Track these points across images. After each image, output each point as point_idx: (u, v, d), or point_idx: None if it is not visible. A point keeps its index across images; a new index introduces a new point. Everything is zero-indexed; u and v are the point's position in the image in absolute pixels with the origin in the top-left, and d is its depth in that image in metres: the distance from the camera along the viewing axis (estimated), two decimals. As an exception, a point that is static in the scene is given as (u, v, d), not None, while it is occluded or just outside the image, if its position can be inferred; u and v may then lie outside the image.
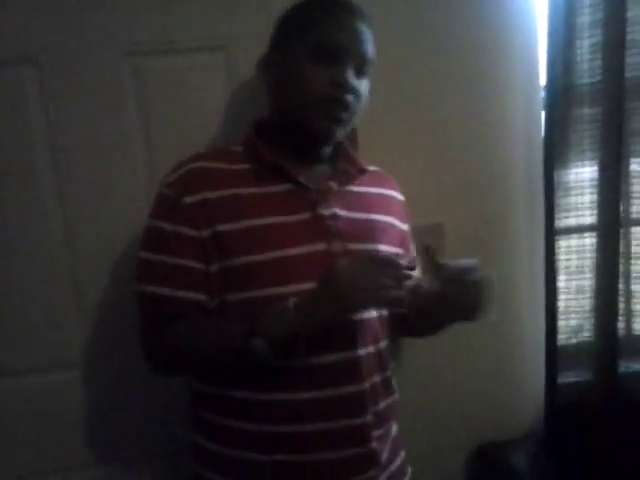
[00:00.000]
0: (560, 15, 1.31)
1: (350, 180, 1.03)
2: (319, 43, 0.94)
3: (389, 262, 0.87)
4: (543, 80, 1.36)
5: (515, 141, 1.40)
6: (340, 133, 0.99)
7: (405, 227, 1.13)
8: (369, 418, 0.96)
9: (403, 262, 0.88)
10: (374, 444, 0.97)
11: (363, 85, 0.99)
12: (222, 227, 0.92)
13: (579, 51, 1.32)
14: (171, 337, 0.95)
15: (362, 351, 0.96)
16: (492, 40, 1.35)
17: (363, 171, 1.05)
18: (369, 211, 1.03)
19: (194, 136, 1.22)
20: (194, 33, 1.21)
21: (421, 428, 1.42)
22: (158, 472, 1.31)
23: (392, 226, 1.06)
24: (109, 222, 1.23)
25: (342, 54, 0.95)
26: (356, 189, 1.03)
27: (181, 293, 0.93)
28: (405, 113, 1.34)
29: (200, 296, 0.93)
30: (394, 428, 1.06)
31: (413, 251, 1.17)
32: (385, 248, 1.01)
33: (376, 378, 1.00)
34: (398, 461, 1.05)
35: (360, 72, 0.97)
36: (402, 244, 1.10)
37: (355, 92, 0.96)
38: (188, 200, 0.93)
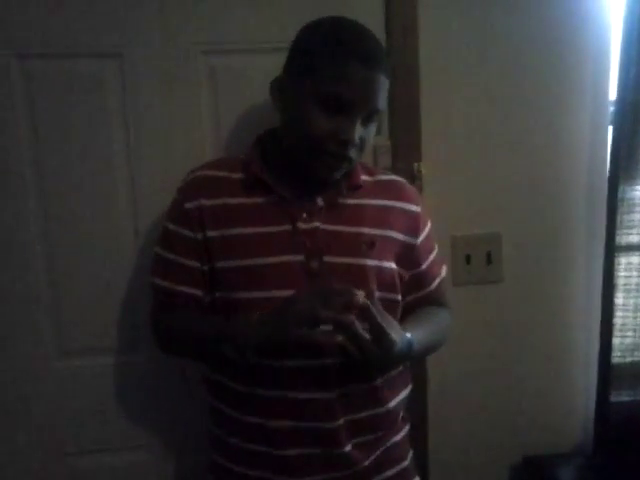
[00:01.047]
0: (634, 30, 1.29)
1: (338, 196, 1.02)
2: (325, 94, 0.92)
3: (337, 294, 0.87)
4: (612, 95, 1.35)
5: (580, 155, 1.40)
6: (337, 177, 1.00)
7: (415, 240, 1.08)
8: (341, 423, 0.98)
9: (356, 298, 0.85)
10: (347, 448, 0.99)
11: (369, 131, 0.98)
12: (211, 233, 1.01)
13: (652, 67, 1.30)
14: (166, 325, 1.08)
15: (329, 361, 0.96)
16: (563, 54, 1.35)
17: (357, 187, 1.04)
18: (360, 224, 1.02)
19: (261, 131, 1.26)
20: (267, 34, 1.24)
21: (467, 438, 1.43)
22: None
23: (389, 239, 1.04)
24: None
25: (353, 109, 0.93)
26: (352, 201, 1.03)
27: (179, 287, 1.04)
28: (471, 125, 1.35)
29: (196, 291, 1.03)
30: (395, 439, 1.07)
31: (430, 261, 1.11)
32: (372, 263, 1.00)
33: (353, 388, 0.99)
34: (393, 471, 1.07)
35: (368, 120, 0.96)
36: (406, 257, 1.06)
37: (358, 146, 0.96)
38: (188, 205, 1.03)
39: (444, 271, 1.16)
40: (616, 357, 1.40)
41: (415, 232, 1.08)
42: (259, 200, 1.01)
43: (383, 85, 0.95)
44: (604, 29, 1.35)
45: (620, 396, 1.41)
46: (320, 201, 1.01)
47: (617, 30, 1.33)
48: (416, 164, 1.30)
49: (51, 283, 1.26)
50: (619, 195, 1.34)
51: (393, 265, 1.04)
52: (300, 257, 0.98)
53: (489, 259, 1.38)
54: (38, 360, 1.27)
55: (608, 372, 1.39)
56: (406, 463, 1.10)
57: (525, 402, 1.45)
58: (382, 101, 0.96)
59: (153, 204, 1.25)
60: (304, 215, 1.00)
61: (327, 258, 0.99)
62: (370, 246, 1.01)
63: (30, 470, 1.30)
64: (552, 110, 1.37)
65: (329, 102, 0.93)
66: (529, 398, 1.45)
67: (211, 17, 1.23)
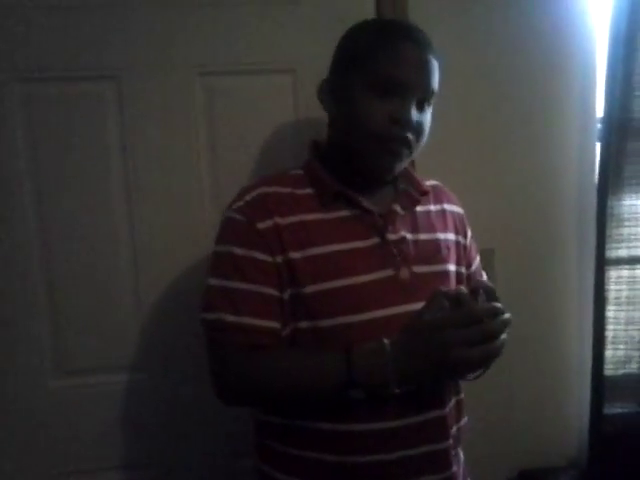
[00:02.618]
0: (620, 49, 1.33)
1: (414, 203, 1.01)
2: (377, 77, 0.91)
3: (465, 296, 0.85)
4: (600, 112, 1.39)
5: (569, 171, 1.43)
6: (400, 167, 0.97)
7: (465, 240, 1.09)
8: (450, 442, 0.96)
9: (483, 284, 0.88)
10: (454, 468, 0.97)
11: (425, 117, 0.95)
12: (293, 255, 0.91)
13: (638, 86, 1.34)
14: (249, 369, 0.91)
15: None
16: (550, 74, 1.39)
17: (426, 193, 1.03)
18: (433, 230, 1.01)
19: (260, 156, 1.29)
20: (264, 56, 1.27)
21: (463, 452, 1.43)
22: (214, 475, 1.34)
23: (454, 243, 1.05)
24: (172, 232, 1.28)
25: (403, 89, 0.91)
26: (419, 209, 1.02)
27: (257, 321, 0.90)
28: (462, 143, 1.38)
29: (275, 324, 0.91)
30: (461, 456, 1.05)
31: (477, 261, 1.13)
32: (452, 268, 1.00)
33: (452, 402, 0.99)
34: None
35: (422, 104, 0.94)
36: (465, 258, 1.08)
37: (417, 128, 0.93)
38: (261, 225, 0.92)
39: (485, 274, 1.16)
40: (609, 369, 1.42)
41: (464, 233, 1.09)
42: (340, 214, 0.95)
43: (435, 67, 0.93)
44: (591, 49, 1.39)
45: (613, 408, 1.42)
46: (399, 209, 0.98)
47: (603, 50, 1.36)
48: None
49: (50, 301, 1.27)
50: (608, 210, 1.37)
51: (462, 268, 1.05)
52: (390, 271, 0.93)
53: (482, 274, 1.40)
54: (37, 378, 1.27)
55: (601, 385, 1.40)
56: None
57: (520, 416, 1.46)
58: (435, 83, 0.94)
59: (152, 222, 1.28)
60: (389, 226, 0.96)
61: (415, 268, 0.95)
62: (448, 251, 1.01)
63: (27, 490, 1.30)
64: (541, 128, 1.41)
65: (381, 85, 0.90)
66: (524, 412, 1.46)
67: (209, 39, 1.26)
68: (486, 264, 1.39)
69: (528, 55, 1.37)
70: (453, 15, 1.34)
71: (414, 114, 0.92)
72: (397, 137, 0.92)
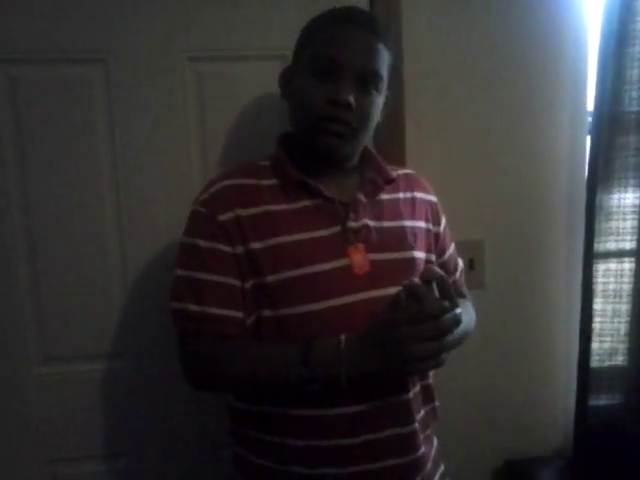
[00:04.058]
0: (611, 44, 1.33)
1: (378, 191, 1.01)
2: (315, 58, 0.93)
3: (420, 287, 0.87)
4: (590, 106, 1.39)
5: (559, 164, 1.43)
6: (347, 149, 0.97)
7: (438, 228, 1.10)
8: (416, 426, 0.97)
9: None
10: (422, 450, 0.98)
11: (369, 101, 0.94)
12: (254, 245, 0.92)
13: (629, 80, 1.34)
14: (214, 358, 0.94)
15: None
16: (542, 65, 1.39)
17: (391, 181, 1.03)
18: (400, 218, 1.02)
19: (250, 141, 1.27)
20: (255, 41, 1.26)
21: (449, 442, 1.44)
22: (196, 463, 1.34)
23: (425, 230, 1.05)
24: (160, 217, 1.27)
25: (338, 69, 0.92)
26: (385, 196, 1.02)
27: (220, 311, 0.92)
28: (453, 135, 1.38)
29: (238, 313, 0.93)
30: (435, 441, 1.07)
31: (452, 249, 1.14)
32: (418, 254, 1.01)
33: (417, 387, 1.01)
34: (437, 475, 1.05)
35: (366, 86, 0.93)
36: (435, 246, 1.08)
37: (357, 110, 0.92)
38: (222, 217, 0.93)
39: (461, 262, 1.17)
40: (595, 361, 1.43)
41: (437, 221, 1.09)
42: (302, 204, 0.96)
43: (377, 51, 0.93)
44: (582, 44, 1.39)
45: (599, 400, 1.44)
46: (362, 197, 0.99)
47: (594, 44, 1.36)
48: (400, 172, 1.32)
49: (34, 288, 1.25)
50: (597, 204, 1.38)
51: (432, 256, 1.06)
52: (347, 260, 0.94)
53: (472, 266, 1.41)
54: (20, 365, 1.26)
55: (587, 376, 1.41)
56: (443, 467, 1.10)
57: (506, 406, 1.47)
58: (377, 65, 0.93)
59: (139, 208, 1.26)
60: (351, 214, 0.96)
61: (378, 255, 0.96)
62: (414, 238, 1.02)
63: (12, 477, 1.28)
64: (532, 121, 1.41)
65: (318, 67, 0.92)
66: (510, 402, 1.47)
67: (198, 24, 1.24)
68: (475, 255, 1.41)
69: (520, 49, 1.37)
70: (447, 11, 1.33)
71: (349, 95, 0.92)
72: (335, 118, 0.92)
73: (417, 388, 1.00)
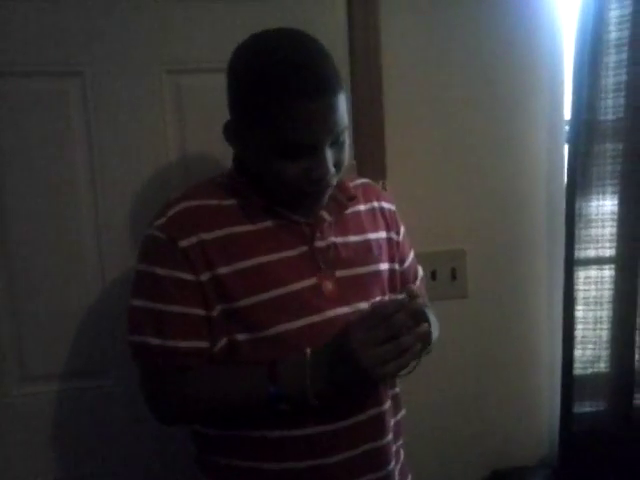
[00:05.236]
0: (586, 54, 1.35)
1: (342, 209, 0.99)
2: (284, 144, 0.84)
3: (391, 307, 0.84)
4: (567, 115, 1.41)
5: (538, 172, 1.44)
6: (324, 202, 0.94)
7: (398, 236, 1.08)
8: (390, 437, 0.96)
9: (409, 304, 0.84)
10: (392, 465, 0.97)
11: (342, 150, 0.90)
12: (222, 270, 0.88)
13: (604, 89, 1.36)
14: (180, 392, 0.91)
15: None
16: (519, 75, 1.40)
17: (353, 198, 1.00)
18: (364, 231, 1.00)
19: (228, 154, 1.25)
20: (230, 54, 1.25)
21: (435, 452, 1.44)
22: None
23: (386, 240, 1.04)
24: (140, 233, 1.22)
25: (313, 148, 0.85)
26: (348, 211, 1.00)
27: (184, 343, 0.88)
28: (433, 145, 1.38)
29: (202, 344, 0.89)
30: (402, 453, 1.05)
31: (411, 257, 1.11)
32: (383, 266, 1.01)
33: (391, 394, 1.00)
34: None
35: (337, 141, 0.88)
36: (398, 254, 1.07)
37: (335, 170, 0.88)
38: (184, 243, 0.87)
39: (421, 270, 1.15)
40: (578, 369, 1.43)
41: (396, 229, 1.08)
42: (267, 225, 0.92)
43: (339, 104, 0.85)
44: (558, 52, 1.41)
45: (583, 407, 1.44)
46: (327, 216, 0.96)
47: (570, 53, 1.38)
48: (381, 182, 1.32)
49: (12, 305, 1.22)
50: (576, 211, 1.39)
51: (395, 265, 1.05)
52: (314, 279, 0.92)
53: (454, 275, 1.41)
54: (-1, 386, 1.23)
55: (571, 384, 1.42)
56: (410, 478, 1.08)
57: (492, 416, 1.47)
58: (343, 119, 0.87)
59: (118, 225, 1.24)
60: (317, 234, 0.94)
61: (345, 272, 0.94)
62: (379, 250, 1.01)
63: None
64: (510, 130, 1.42)
65: (290, 151, 0.85)
66: (495, 412, 1.47)
67: (176, 36, 1.23)
68: (457, 265, 1.41)
69: (496, 58, 1.39)
70: (424, 18, 1.34)
71: (330, 159, 0.87)
72: (317, 190, 0.89)
73: (389, 400, 0.99)
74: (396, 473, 0.99)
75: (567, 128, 1.41)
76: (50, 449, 1.26)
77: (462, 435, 1.45)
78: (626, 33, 1.34)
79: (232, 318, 0.89)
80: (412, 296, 0.86)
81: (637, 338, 1.41)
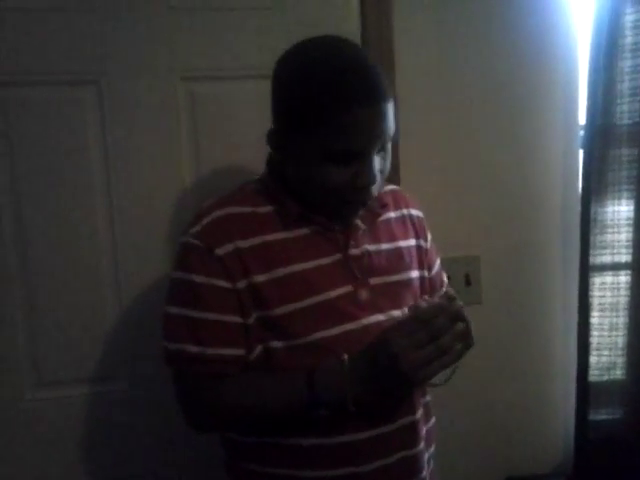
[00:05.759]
0: (601, 59, 1.34)
1: (375, 217, 0.99)
2: (334, 149, 0.84)
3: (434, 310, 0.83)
4: (582, 120, 1.40)
5: (553, 177, 1.43)
6: (359, 214, 0.95)
7: (426, 243, 1.08)
8: (422, 445, 0.97)
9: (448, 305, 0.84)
10: (424, 473, 0.97)
11: (386, 158, 0.91)
12: (258, 278, 0.88)
13: (619, 93, 1.35)
14: (217, 399, 0.91)
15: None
16: (534, 80, 1.39)
17: (385, 206, 1.01)
18: (395, 239, 1.00)
19: (244, 163, 1.27)
20: (247, 61, 1.26)
21: (449, 459, 1.42)
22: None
23: (416, 247, 1.04)
24: (155, 241, 1.26)
25: (363, 155, 0.86)
26: (380, 219, 1.00)
27: (222, 351, 0.88)
28: (448, 151, 1.38)
29: (239, 351, 0.89)
30: (432, 462, 1.04)
31: (438, 265, 1.11)
32: (415, 274, 1.01)
33: (422, 403, 1.00)
34: None
35: (383, 148, 0.89)
36: (426, 262, 1.07)
37: (378, 181, 0.89)
38: (220, 251, 0.88)
39: (445, 277, 1.15)
40: (593, 376, 1.42)
41: (425, 236, 1.08)
42: (303, 232, 0.92)
43: (389, 111, 0.86)
44: (573, 57, 1.40)
45: (598, 415, 1.43)
46: (360, 224, 0.96)
47: (585, 58, 1.37)
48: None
49: (28, 310, 1.23)
50: (591, 217, 1.38)
51: (425, 272, 1.05)
52: (349, 287, 0.92)
53: (468, 281, 1.40)
54: (14, 391, 1.24)
55: (586, 391, 1.40)
56: None
57: (505, 423, 1.46)
58: (391, 126, 0.87)
59: (133, 232, 1.25)
60: (351, 242, 0.94)
61: (379, 279, 0.95)
62: (410, 257, 1.01)
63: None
64: (525, 136, 1.41)
65: (339, 156, 0.85)
66: (509, 418, 1.46)
67: (191, 44, 1.24)
68: (471, 271, 1.40)
69: (511, 62, 1.38)
70: (437, 22, 1.34)
71: (377, 168, 0.87)
72: (361, 201, 0.91)
73: (421, 409, 0.99)
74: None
75: (582, 133, 1.40)
76: (64, 454, 1.27)
77: (476, 442, 1.44)
78: (641, 38, 1.34)
79: (268, 325, 0.89)
80: (451, 298, 0.86)
81: (653, 345, 1.40)
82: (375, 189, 0.90)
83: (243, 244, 0.89)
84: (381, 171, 0.90)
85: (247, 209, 0.92)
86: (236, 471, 0.99)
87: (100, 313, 1.26)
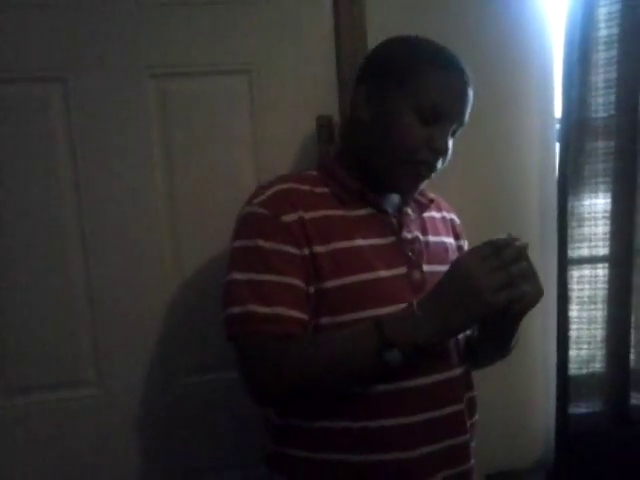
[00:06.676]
0: (575, 52, 1.34)
1: (423, 208, 1.05)
2: (425, 102, 0.92)
3: (503, 244, 0.84)
4: (558, 113, 1.39)
5: (529, 171, 1.43)
6: (418, 189, 1.00)
7: (464, 246, 1.14)
8: (468, 436, 0.99)
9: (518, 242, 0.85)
10: (472, 461, 1.00)
11: (452, 143, 0.98)
12: (317, 249, 0.91)
13: (594, 86, 1.35)
14: (286, 356, 0.88)
15: (458, 370, 0.99)
16: (509, 74, 1.38)
17: (432, 201, 1.08)
18: (439, 234, 1.07)
19: (216, 159, 1.25)
20: (219, 56, 1.24)
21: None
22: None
23: (457, 247, 1.11)
24: (126, 240, 1.23)
25: (446, 118, 0.94)
26: (425, 215, 1.06)
27: (290, 312, 0.88)
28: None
29: (305, 316, 0.90)
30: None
31: None
32: None
33: (466, 398, 1.01)
34: None
35: (454, 134, 0.98)
36: None
37: (446, 155, 0.97)
38: (287, 218, 0.91)
39: None
40: (573, 369, 1.42)
41: (464, 239, 1.15)
42: (359, 212, 0.97)
43: (469, 104, 0.97)
44: (547, 51, 1.40)
45: (578, 408, 1.42)
46: (412, 213, 1.03)
47: (559, 51, 1.37)
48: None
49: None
50: (569, 210, 1.38)
51: None
52: (403, 269, 0.96)
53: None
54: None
55: (566, 385, 1.40)
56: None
57: (486, 419, 1.43)
58: (465, 121, 0.98)
59: (105, 232, 1.22)
60: (404, 226, 1.00)
61: (429, 267, 0.98)
62: (452, 253, 1.06)
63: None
64: (501, 130, 1.40)
65: (427, 111, 0.92)
66: (489, 414, 1.42)
67: (160, 39, 1.21)
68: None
69: (485, 57, 1.36)
70: (410, 17, 1.32)
71: (449, 142, 0.96)
72: (428, 162, 0.95)
73: (465, 400, 1.01)
74: (473, 472, 1.01)
75: (558, 126, 1.40)
76: (37, 461, 1.23)
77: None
78: (615, 30, 1.33)
79: (321, 300, 0.91)
80: (515, 239, 0.86)
81: (632, 337, 1.40)
82: (438, 164, 0.96)
83: (306, 215, 0.92)
84: (448, 152, 0.96)
85: (305, 187, 0.97)
86: (278, 459, 0.98)
87: (73, 315, 1.23)
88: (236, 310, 0.89)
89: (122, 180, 1.22)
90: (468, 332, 1.02)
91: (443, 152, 0.95)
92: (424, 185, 1.01)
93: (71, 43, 1.17)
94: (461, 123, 0.97)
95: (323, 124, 1.27)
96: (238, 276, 0.91)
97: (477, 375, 1.41)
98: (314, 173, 1.02)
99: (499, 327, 0.97)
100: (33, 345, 1.21)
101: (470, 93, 0.96)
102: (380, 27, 1.29)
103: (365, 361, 0.86)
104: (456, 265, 0.85)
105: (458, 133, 1.00)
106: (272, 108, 1.25)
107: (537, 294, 0.88)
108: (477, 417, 1.07)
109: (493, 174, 1.41)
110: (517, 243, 0.85)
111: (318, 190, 0.97)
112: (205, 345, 1.26)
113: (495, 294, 0.81)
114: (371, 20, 1.29)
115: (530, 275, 0.86)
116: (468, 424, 1.00)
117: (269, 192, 0.94)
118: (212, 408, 1.28)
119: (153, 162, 1.23)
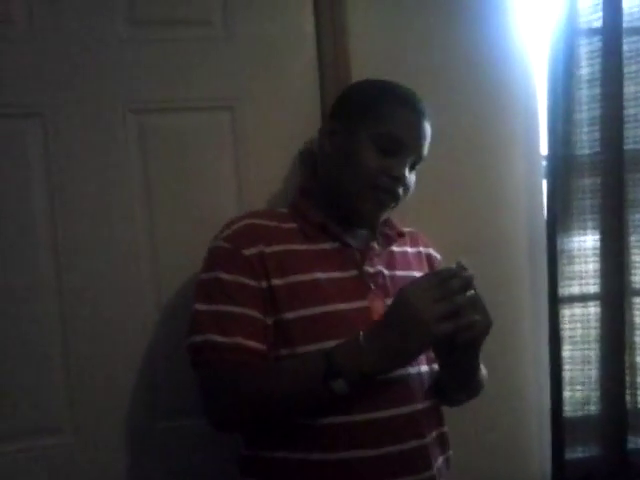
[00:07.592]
0: (560, 89, 1.34)
1: (390, 242, 1.08)
2: (383, 134, 0.99)
3: (450, 275, 0.86)
4: (544, 150, 1.39)
5: (517, 209, 1.41)
6: (383, 216, 1.04)
7: None
8: (434, 472, 0.96)
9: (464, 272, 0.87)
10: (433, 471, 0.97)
11: (412, 178, 1.04)
12: (275, 281, 0.95)
13: (578, 123, 1.35)
14: (241, 384, 0.92)
15: (420, 405, 0.97)
16: (495, 112, 1.38)
17: (402, 234, 1.10)
18: (410, 268, 1.08)
19: (197, 195, 1.22)
20: (200, 92, 1.22)
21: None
22: None
23: None
24: (105, 280, 1.19)
25: (403, 149, 1.00)
26: (396, 249, 1.09)
27: (247, 342, 0.92)
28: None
29: (263, 347, 0.94)
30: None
31: None
32: None
33: (435, 434, 1.01)
34: None
35: (413, 166, 1.03)
36: None
37: (406, 185, 1.01)
38: (247, 252, 0.95)
39: None
40: (568, 411, 1.37)
41: None
42: (322, 246, 1.01)
43: (429, 135, 1.03)
44: (531, 90, 1.39)
45: (575, 452, 1.37)
46: (377, 247, 1.05)
47: (543, 90, 1.37)
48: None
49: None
50: (558, 247, 1.36)
51: None
52: (364, 302, 0.98)
53: (435, 316, 1.35)
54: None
55: (561, 428, 1.36)
56: None
57: (479, 464, 1.39)
58: (424, 155, 1.04)
59: (82, 270, 1.18)
60: (367, 260, 1.02)
61: (389, 301, 0.96)
62: None
63: None
64: (488, 167, 1.39)
65: (384, 141, 0.98)
66: (483, 460, 1.39)
67: (140, 75, 1.19)
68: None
69: (469, 96, 1.36)
70: (395, 52, 1.32)
71: (407, 173, 1.01)
72: (389, 189, 1.00)
73: (434, 434, 1.00)
74: None
75: (544, 164, 1.39)
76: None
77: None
78: (597, 68, 1.34)
79: (277, 331, 0.94)
80: (463, 268, 0.88)
81: (627, 377, 1.36)
82: (399, 193, 1.01)
83: (267, 249, 0.97)
84: (408, 184, 1.01)
85: (272, 223, 1.02)
86: (249, 462, 0.99)
87: (46, 360, 1.17)
88: (198, 339, 0.94)
89: (101, 216, 1.19)
90: (435, 367, 1.02)
91: (401, 179, 0.99)
92: (388, 215, 1.06)
93: (50, 78, 1.15)
94: (419, 156, 1.03)
95: (306, 159, 1.25)
96: (201, 307, 0.96)
97: (468, 419, 1.37)
98: (285, 210, 1.07)
99: (457, 360, 0.96)
100: (3, 392, 1.15)
101: (427, 127, 1.02)
102: (364, 60, 1.29)
103: (312, 389, 0.88)
104: (400, 295, 0.87)
105: (420, 166, 1.05)
106: (255, 143, 1.23)
107: (487, 324, 0.89)
108: (451, 452, 1.06)
109: (481, 212, 1.39)
110: (464, 273, 0.86)
111: (286, 226, 1.02)
112: (186, 388, 1.20)
113: (437, 323, 0.83)
114: (355, 53, 1.28)
115: (479, 305, 0.88)
116: (439, 460, 1.00)
117: (235, 226, 0.99)
118: (194, 452, 1.23)
119: (133, 198, 1.20)
